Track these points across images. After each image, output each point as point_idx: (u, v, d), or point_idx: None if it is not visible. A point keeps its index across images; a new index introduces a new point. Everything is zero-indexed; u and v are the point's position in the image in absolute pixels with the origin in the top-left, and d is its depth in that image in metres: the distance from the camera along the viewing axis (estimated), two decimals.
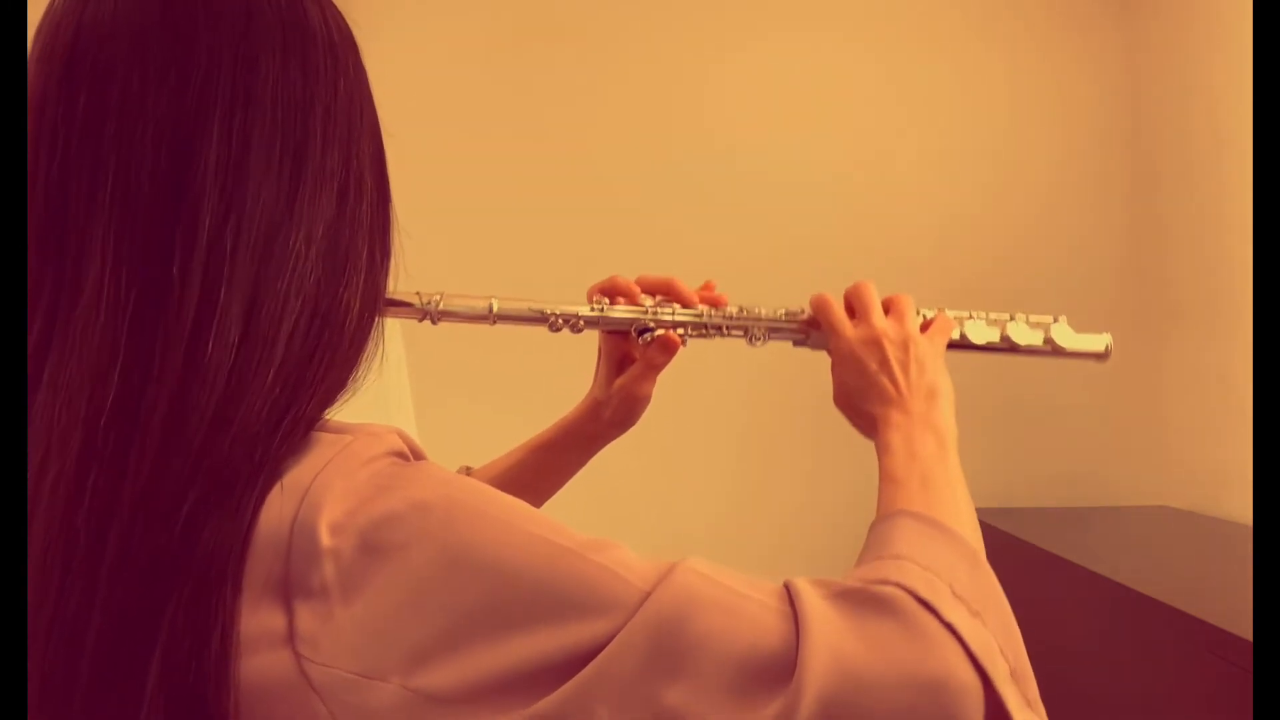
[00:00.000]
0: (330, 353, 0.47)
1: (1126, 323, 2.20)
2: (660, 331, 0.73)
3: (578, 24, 2.23)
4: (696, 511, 2.15)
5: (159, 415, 0.41)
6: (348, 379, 0.49)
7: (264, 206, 0.45)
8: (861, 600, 0.43)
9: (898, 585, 0.43)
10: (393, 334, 0.53)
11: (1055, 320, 0.79)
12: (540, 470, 0.80)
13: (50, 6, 0.47)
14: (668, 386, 0.80)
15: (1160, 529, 1.83)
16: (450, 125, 2.16)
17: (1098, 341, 0.81)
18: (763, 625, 0.41)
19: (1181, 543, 1.72)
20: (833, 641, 0.40)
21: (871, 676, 0.40)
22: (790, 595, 0.43)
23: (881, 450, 0.62)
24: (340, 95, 0.49)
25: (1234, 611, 1.15)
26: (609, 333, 0.77)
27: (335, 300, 0.47)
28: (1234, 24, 1.83)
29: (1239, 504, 1.82)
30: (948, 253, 2.18)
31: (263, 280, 0.44)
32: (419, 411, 1.62)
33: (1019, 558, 1.71)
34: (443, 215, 2.06)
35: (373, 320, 0.50)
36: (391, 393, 1.46)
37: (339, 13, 0.51)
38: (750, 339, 0.75)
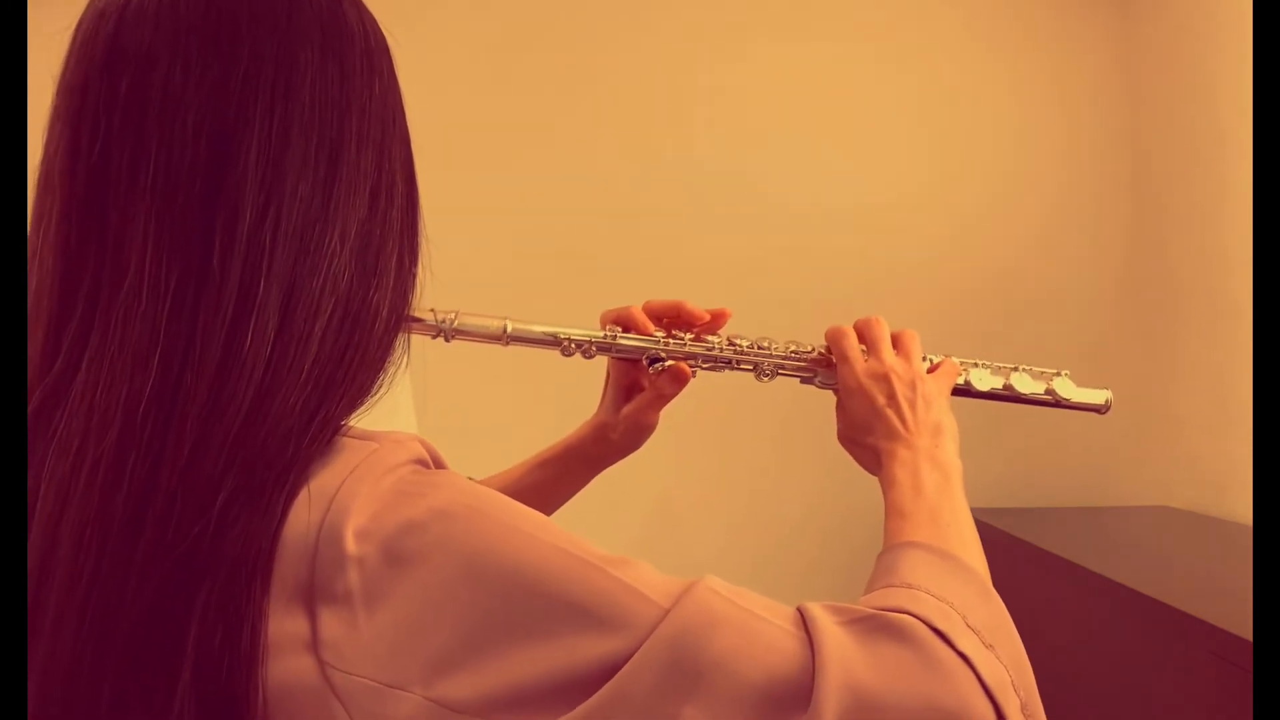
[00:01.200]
0: (360, 354, 0.47)
1: (1127, 323, 2.20)
2: (671, 362, 0.74)
3: (581, 29, 2.23)
4: (697, 528, 2.16)
5: (197, 404, 0.41)
6: (374, 382, 0.49)
7: (301, 202, 0.45)
8: (876, 627, 0.43)
9: (912, 614, 0.43)
10: (397, 350, 0.52)
11: (1058, 374, 0.81)
12: (543, 487, 0.81)
13: None
14: (673, 410, 0.81)
15: (1161, 529, 1.83)
16: (453, 129, 2.16)
17: (1098, 395, 0.83)
18: (779, 649, 0.41)
19: (1182, 543, 1.72)
20: (848, 668, 0.40)
21: (887, 704, 0.40)
22: (805, 620, 0.43)
23: (887, 485, 0.62)
24: (375, 98, 0.50)
25: (1234, 611, 1.15)
26: (619, 360, 0.77)
27: (365, 302, 0.48)
28: (1234, 23, 1.83)
29: (1239, 504, 1.82)
30: (950, 256, 2.18)
31: (299, 276, 0.45)
32: (423, 429, 1.61)
33: (1019, 558, 1.71)
34: (445, 217, 2.05)
35: (399, 325, 0.51)
36: (398, 410, 1.45)
37: (375, 22, 0.52)
38: (759, 374, 0.75)
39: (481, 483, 0.81)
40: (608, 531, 1.71)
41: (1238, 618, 1.12)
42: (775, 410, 2.12)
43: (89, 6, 0.48)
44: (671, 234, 2.16)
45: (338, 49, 0.48)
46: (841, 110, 2.23)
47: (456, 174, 2.12)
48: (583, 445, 0.80)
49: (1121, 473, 2.16)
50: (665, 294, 0.77)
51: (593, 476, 0.82)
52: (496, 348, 0.71)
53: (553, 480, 0.80)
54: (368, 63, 0.50)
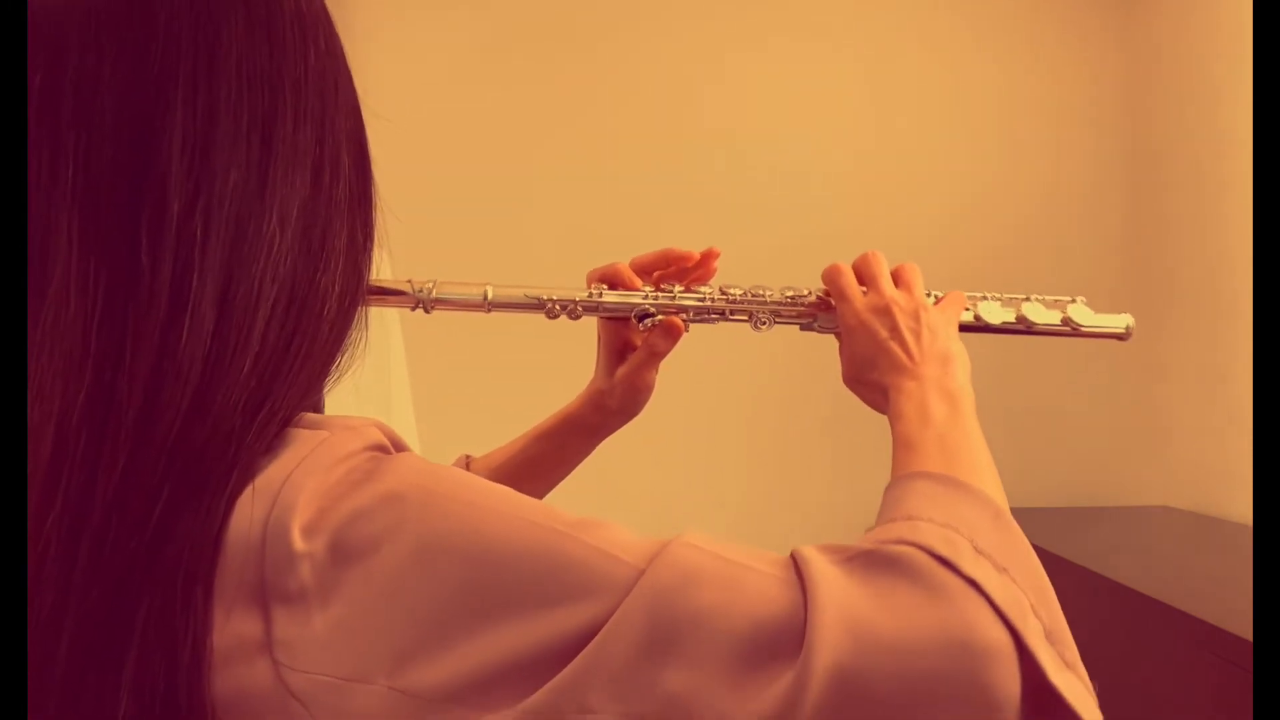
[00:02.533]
0: (309, 341, 0.45)
1: None
2: (661, 317, 0.71)
3: (580, 24, 2.23)
4: (704, 501, 2.15)
5: (132, 409, 0.39)
6: (328, 369, 0.47)
7: (233, 187, 0.43)
8: (873, 562, 0.39)
9: (911, 544, 0.40)
10: (391, 325, 0.52)
11: (1073, 300, 0.76)
12: (542, 460, 0.78)
13: None
14: (674, 374, 0.77)
15: (1161, 529, 1.83)
16: (451, 122, 2.16)
17: (1118, 321, 0.76)
18: (766, 596, 0.38)
19: (1182, 543, 1.72)
20: (843, 606, 0.37)
21: (888, 641, 0.36)
22: (796, 563, 0.40)
23: (894, 418, 0.58)
24: (311, 69, 0.47)
25: (1234, 611, 1.15)
26: (608, 320, 0.74)
27: (313, 285, 0.45)
28: (1233, 18, 1.83)
29: (1239, 504, 1.82)
30: (946, 254, 2.18)
31: (236, 265, 0.42)
32: (418, 403, 1.61)
33: None
34: (442, 211, 2.06)
35: (354, 306, 0.48)
36: (393, 385, 1.44)
37: None
38: (755, 323, 0.72)
39: (479, 459, 0.80)
40: (612, 515, 1.71)
41: (1238, 618, 1.12)
42: (783, 405, 2.12)
43: None
44: (663, 227, 2.14)
45: (265, 21, 0.45)
46: (836, 106, 2.23)
47: (451, 167, 2.13)
48: (581, 414, 0.77)
49: (1121, 473, 2.16)
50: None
51: (594, 446, 0.79)
52: (491, 325, 0.69)
53: (552, 452, 0.78)
54: (299, 32, 0.47)
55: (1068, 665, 0.39)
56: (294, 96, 0.45)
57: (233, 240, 0.42)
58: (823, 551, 0.41)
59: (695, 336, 0.74)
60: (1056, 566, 1.55)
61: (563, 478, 0.80)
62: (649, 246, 0.73)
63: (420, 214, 1.64)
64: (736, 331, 0.76)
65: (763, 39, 2.23)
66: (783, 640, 0.37)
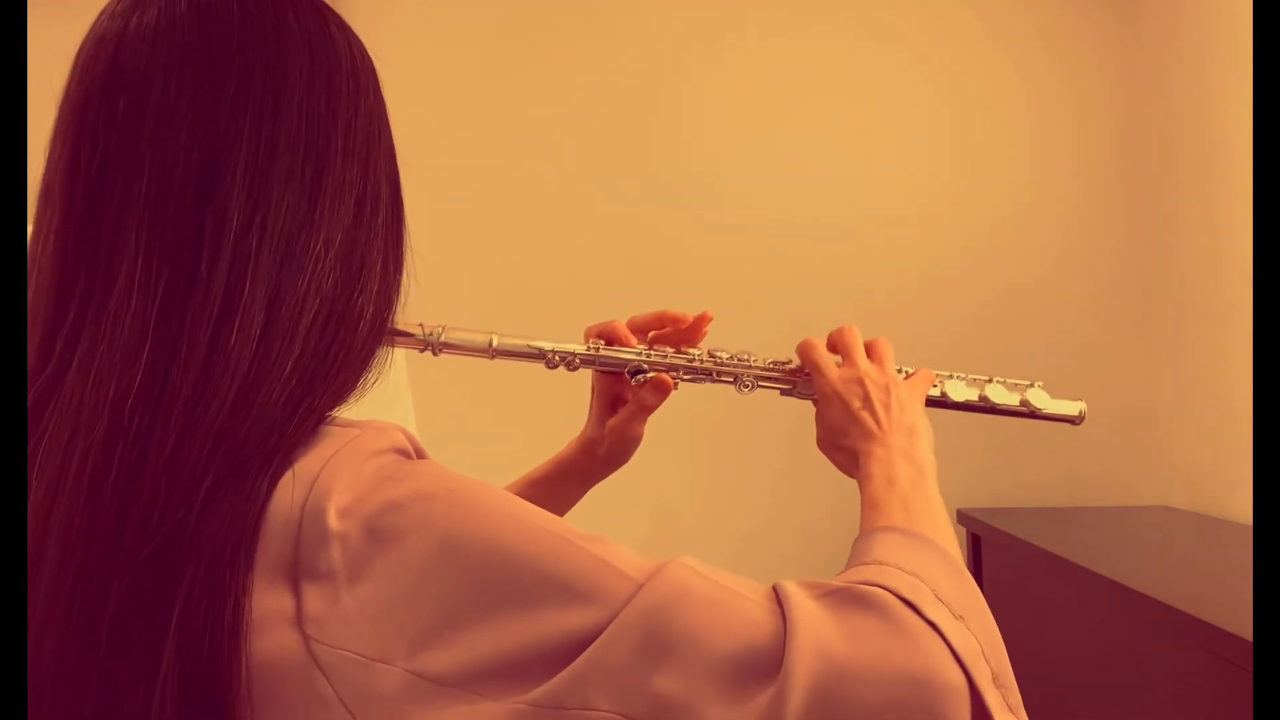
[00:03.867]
0: (343, 353, 0.49)
1: (1127, 322, 2.20)
2: (653, 374, 0.76)
3: (574, 25, 2.23)
4: (700, 541, 2.16)
5: (183, 398, 0.44)
6: (358, 380, 0.52)
7: (287, 210, 0.48)
8: (846, 599, 0.44)
9: (880, 586, 0.45)
10: (398, 364, 0.54)
11: (1032, 385, 0.83)
12: (536, 504, 0.81)
13: (96, 20, 0.51)
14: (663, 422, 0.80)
15: (1160, 529, 1.83)
16: (440, 139, 2.17)
17: (1072, 407, 0.83)
18: (751, 620, 0.42)
19: (1181, 543, 1.72)
20: (819, 636, 0.41)
21: (857, 670, 0.41)
22: (778, 594, 0.45)
23: (863, 481, 0.64)
24: (360, 115, 0.53)
25: (1234, 611, 1.15)
26: (603, 373, 0.79)
27: (350, 304, 0.50)
28: (1238, 25, 1.83)
29: (1239, 504, 1.82)
30: (949, 253, 2.18)
31: (284, 278, 0.48)
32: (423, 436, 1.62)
33: (1019, 558, 1.71)
34: (432, 227, 2.06)
35: (384, 328, 0.53)
36: (398, 417, 1.46)
37: (362, 45, 0.56)
38: (739, 386, 0.77)
39: None
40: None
41: (1238, 618, 1.12)
42: (780, 422, 2.12)
43: (90, 32, 0.51)
44: (666, 245, 2.16)
45: (325, 69, 0.52)
46: (841, 117, 2.23)
47: (446, 182, 2.13)
48: (571, 461, 0.82)
49: (1121, 473, 2.16)
50: (657, 306, 0.79)
51: (584, 492, 0.84)
52: (484, 362, 0.73)
53: (543, 498, 0.81)
54: (354, 83, 0.53)
55: (1010, 710, 0.45)
56: (344, 138, 0.52)
57: (283, 256, 0.48)
58: (801, 586, 0.45)
59: (693, 393, 0.78)
60: (1056, 566, 1.55)
61: None
62: (643, 266, 0.77)
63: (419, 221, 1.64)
64: (733, 392, 0.80)
65: (760, 38, 2.23)
66: (764, 661, 0.41)
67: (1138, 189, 2.20)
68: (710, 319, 0.78)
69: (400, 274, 0.56)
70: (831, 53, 2.24)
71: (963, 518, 1.96)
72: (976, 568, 1.91)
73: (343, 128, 0.52)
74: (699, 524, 2.16)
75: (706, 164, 2.20)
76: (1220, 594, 1.29)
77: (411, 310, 0.60)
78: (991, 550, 1.88)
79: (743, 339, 0.81)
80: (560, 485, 0.82)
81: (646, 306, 0.80)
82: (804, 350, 0.75)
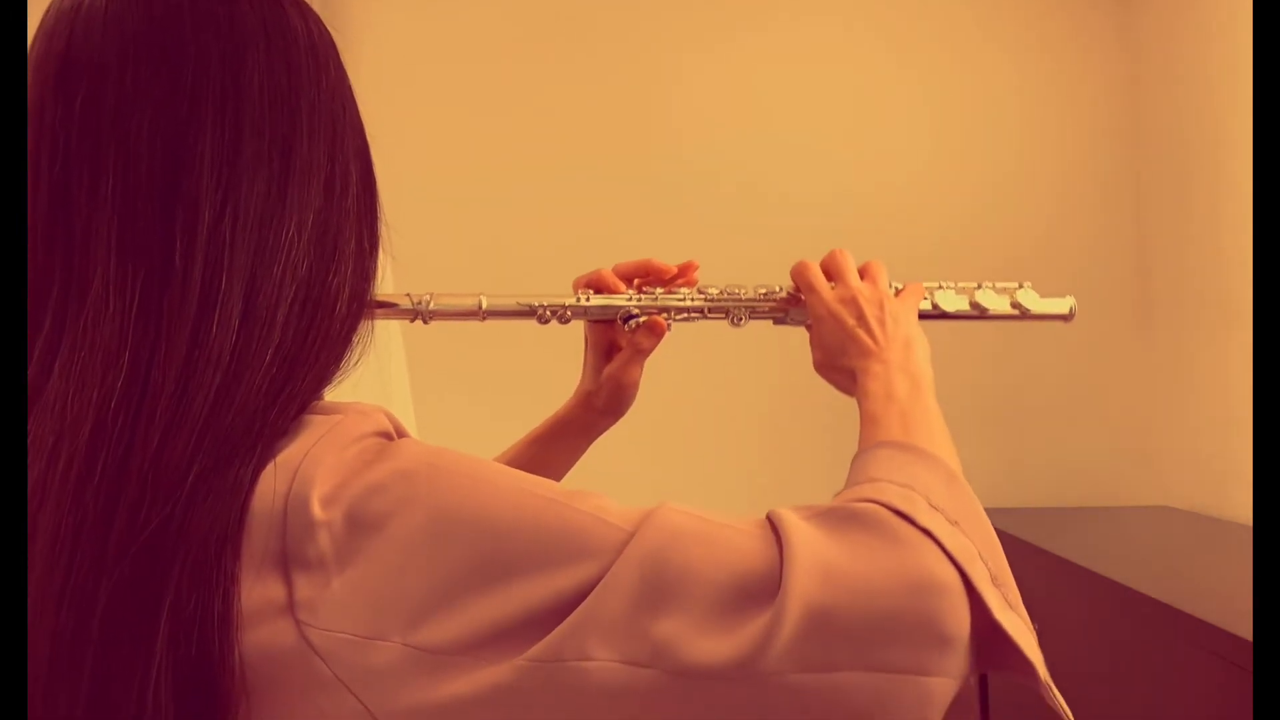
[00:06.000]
0: (323, 335, 0.49)
1: (1127, 322, 2.20)
2: (645, 318, 0.76)
3: (565, 20, 2.23)
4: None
5: (166, 396, 0.43)
6: (340, 361, 0.51)
7: (257, 197, 0.48)
8: (840, 517, 0.45)
9: (874, 501, 0.46)
10: (393, 336, 0.54)
11: (1021, 286, 0.82)
12: (536, 464, 0.81)
13: (44, 17, 0.50)
14: (668, 376, 0.79)
15: (1160, 529, 1.83)
16: (434, 122, 2.17)
17: (1062, 304, 0.83)
18: (745, 549, 0.43)
19: (1181, 543, 1.72)
20: (815, 554, 0.42)
21: (853, 581, 0.42)
22: (771, 521, 0.45)
23: (861, 397, 0.64)
24: (323, 91, 0.52)
25: (1234, 611, 1.15)
26: (595, 323, 0.79)
27: (326, 286, 0.50)
28: (1232, 21, 1.83)
29: (1239, 504, 1.82)
30: (948, 254, 2.18)
31: (259, 266, 0.47)
32: (418, 411, 1.63)
33: (1019, 558, 1.70)
34: (424, 207, 2.06)
35: (362, 306, 0.53)
36: (394, 393, 1.47)
37: (319, 19, 0.54)
38: (732, 320, 0.77)
39: None
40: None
41: (1238, 618, 1.12)
42: (777, 406, 2.12)
43: (39, 29, 0.50)
44: (654, 239, 2.11)
45: (282, 48, 0.50)
46: (836, 107, 2.23)
47: (434, 177, 2.13)
48: (571, 415, 0.82)
49: (1121, 473, 2.16)
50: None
51: (585, 447, 0.84)
52: (488, 333, 0.72)
53: (547, 455, 0.82)
54: (313, 60, 0.52)
55: (1010, 606, 0.45)
56: (309, 116, 0.51)
57: (256, 244, 0.47)
58: (795, 510, 0.46)
59: (676, 337, 0.78)
60: (1057, 566, 1.55)
61: (559, 479, 0.83)
62: (643, 243, 0.77)
63: (396, 209, 1.64)
64: (715, 331, 0.81)
65: (751, 32, 2.23)
66: (761, 586, 0.42)
67: (1137, 188, 2.20)
68: (696, 266, 0.78)
69: (376, 251, 0.55)
70: (828, 52, 2.24)
71: None
72: None
73: (306, 107, 0.50)
74: (696, 469, 2.15)
75: (697, 158, 2.20)
76: (1220, 594, 1.29)
77: (385, 283, 0.59)
78: None
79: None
80: (561, 441, 0.82)
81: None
82: (797, 272, 0.74)
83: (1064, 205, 2.21)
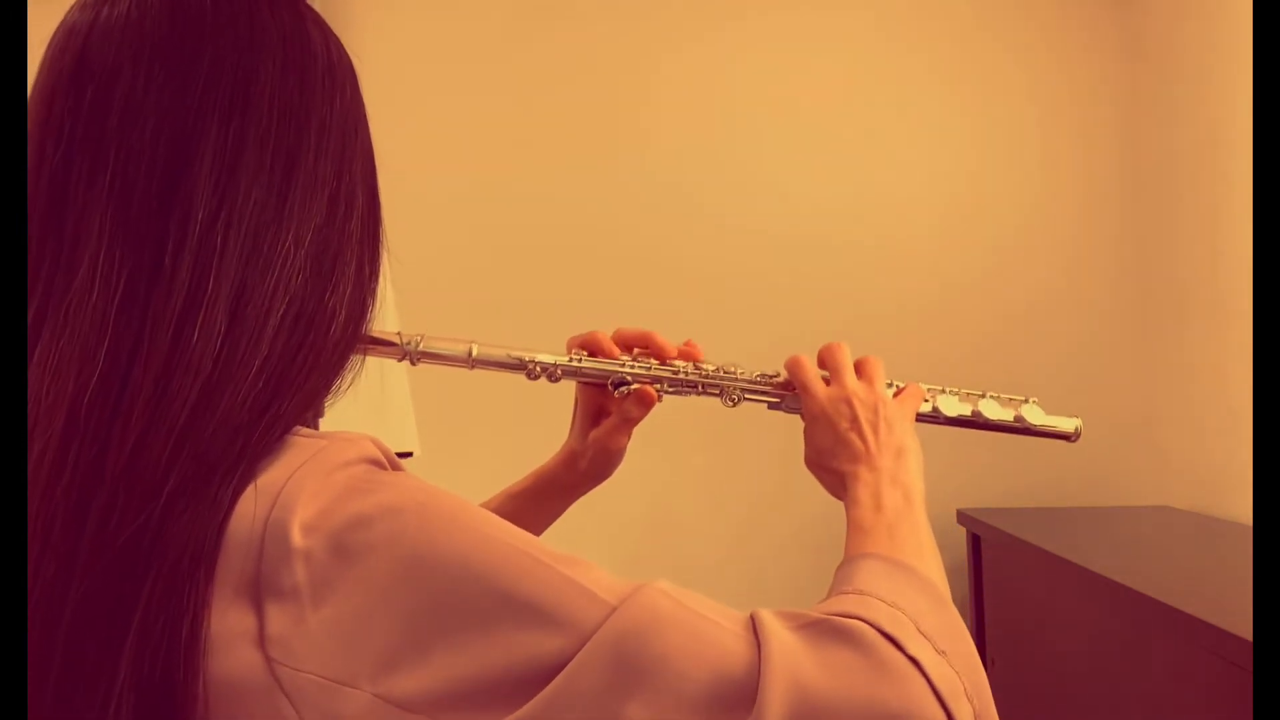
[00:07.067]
0: (314, 356, 0.48)
1: (1127, 322, 2.20)
2: (636, 386, 0.74)
3: (553, 23, 2.23)
4: (693, 541, 2.15)
5: (144, 395, 0.42)
6: (330, 385, 0.50)
7: (255, 205, 0.47)
8: (824, 631, 0.43)
9: (860, 618, 0.43)
10: (398, 372, 0.53)
11: (1026, 400, 0.80)
12: (513, 520, 0.80)
13: (67, 13, 0.50)
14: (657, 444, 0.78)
15: (1160, 529, 1.83)
16: (422, 137, 2.17)
17: (1067, 423, 0.80)
18: (725, 649, 0.41)
19: (1181, 543, 1.72)
20: (795, 668, 0.40)
21: (833, 705, 0.40)
22: (755, 624, 0.43)
23: (850, 504, 0.63)
24: (336, 112, 0.52)
25: (1234, 611, 1.15)
26: (585, 384, 0.77)
27: (321, 305, 0.49)
28: (1239, 24, 1.83)
29: (1239, 504, 1.82)
30: (941, 256, 2.18)
31: (250, 275, 0.46)
32: (419, 413, 1.61)
33: (1019, 558, 1.70)
34: (413, 225, 2.06)
35: (358, 332, 0.52)
36: (393, 397, 1.46)
37: (341, 45, 0.54)
38: (725, 399, 0.76)
39: None
40: (603, 545, 1.70)
41: (1238, 618, 1.12)
42: (774, 422, 2.12)
43: (60, 24, 0.50)
44: (650, 249, 2.14)
45: (299, 65, 0.50)
46: (836, 107, 2.23)
47: (425, 180, 2.12)
48: (553, 474, 0.80)
49: (1121, 473, 2.16)
50: (642, 310, 0.77)
51: (565, 507, 0.81)
52: (479, 376, 0.71)
53: (525, 512, 0.80)
54: (330, 80, 0.52)
55: None
56: (318, 134, 0.50)
57: (249, 252, 0.46)
58: (779, 616, 0.44)
59: (668, 407, 0.76)
60: (1056, 566, 1.55)
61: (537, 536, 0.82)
62: (641, 242, 0.75)
63: (407, 213, 1.63)
64: (708, 406, 0.78)
65: (755, 36, 2.23)
66: (738, 692, 0.40)
67: (1139, 190, 2.20)
68: (699, 350, 0.76)
69: (376, 278, 0.54)
70: (827, 51, 2.24)
71: (963, 518, 1.95)
72: (976, 568, 1.92)
73: (316, 124, 0.50)
74: (688, 533, 2.15)
75: (694, 168, 2.20)
76: (1220, 594, 1.29)
77: (387, 311, 0.58)
78: (991, 550, 1.88)
79: (729, 344, 0.80)
80: (541, 500, 0.80)
81: (632, 310, 0.78)
82: (792, 368, 0.73)
83: (1064, 205, 2.21)
